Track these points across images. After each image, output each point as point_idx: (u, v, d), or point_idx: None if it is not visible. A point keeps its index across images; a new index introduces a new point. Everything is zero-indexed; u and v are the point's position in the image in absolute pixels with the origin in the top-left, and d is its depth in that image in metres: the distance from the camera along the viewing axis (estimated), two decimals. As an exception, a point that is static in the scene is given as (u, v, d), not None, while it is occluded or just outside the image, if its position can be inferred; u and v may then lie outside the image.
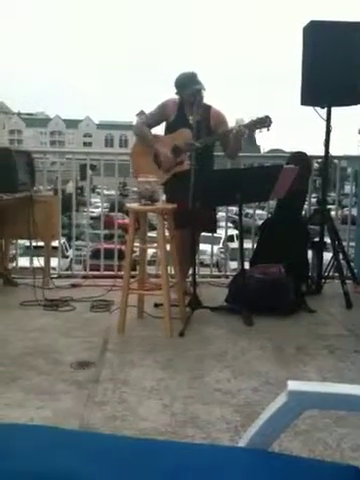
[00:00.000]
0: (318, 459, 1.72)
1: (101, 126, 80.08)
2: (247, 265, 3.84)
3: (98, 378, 2.43)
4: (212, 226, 3.81)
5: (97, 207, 13.68)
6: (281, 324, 3.27)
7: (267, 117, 3.27)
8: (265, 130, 3.29)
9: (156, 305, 3.43)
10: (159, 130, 3.78)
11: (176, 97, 3.65)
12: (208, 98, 3.64)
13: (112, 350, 2.81)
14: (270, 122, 3.27)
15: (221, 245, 11.30)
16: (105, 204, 5.85)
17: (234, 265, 5.26)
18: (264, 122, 3.27)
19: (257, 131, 3.31)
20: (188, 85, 3.51)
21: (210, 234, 4.06)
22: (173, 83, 3.61)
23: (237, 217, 3.61)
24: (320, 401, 1.08)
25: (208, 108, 3.64)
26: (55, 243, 4.58)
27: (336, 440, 1.94)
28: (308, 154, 4.22)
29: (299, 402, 1.05)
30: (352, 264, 4.23)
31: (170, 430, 1.98)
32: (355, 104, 3.82)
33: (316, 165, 4.53)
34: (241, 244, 3.43)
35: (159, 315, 3.23)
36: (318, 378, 2.46)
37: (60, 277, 4.45)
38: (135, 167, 3.84)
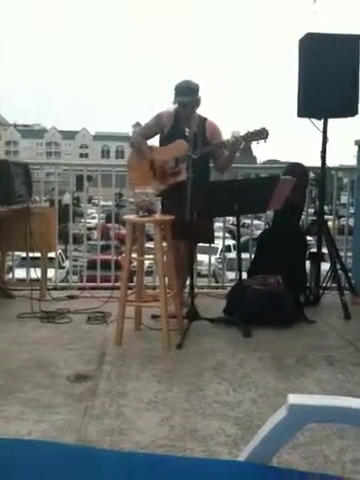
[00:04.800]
0: (319, 473, 1.70)
1: (97, 137, 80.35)
2: (245, 275, 3.83)
3: (95, 391, 2.40)
4: (209, 237, 3.81)
5: (93, 218, 13.68)
6: (280, 335, 3.26)
7: (264, 129, 3.27)
8: (262, 142, 3.29)
9: (154, 317, 3.42)
10: (155, 141, 3.78)
11: (171, 108, 3.66)
12: (205, 108, 3.65)
13: (109, 363, 2.78)
14: (267, 134, 3.26)
15: (218, 255, 11.32)
16: (101, 215, 5.84)
17: (231, 275, 5.25)
18: (261, 134, 3.27)
19: (254, 143, 3.31)
20: (178, 94, 3.51)
21: (208, 244, 4.06)
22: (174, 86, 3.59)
23: (234, 227, 3.61)
24: (321, 415, 1.06)
25: (203, 120, 3.65)
26: (52, 254, 4.56)
27: (336, 453, 1.92)
28: (305, 165, 4.23)
29: (300, 416, 1.03)
30: (350, 274, 4.23)
31: (169, 443, 1.96)
32: (351, 116, 3.84)
33: (312, 175, 4.54)
34: (239, 255, 3.43)
35: (157, 327, 3.21)
36: (318, 390, 2.44)
37: (56, 289, 4.43)
38: (131, 178, 3.84)
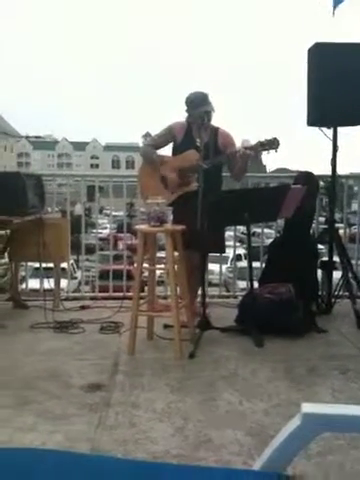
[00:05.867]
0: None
1: (108, 148, 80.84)
2: (256, 284, 3.83)
3: (109, 401, 2.42)
4: (220, 247, 3.81)
5: (104, 228, 13.71)
6: (291, 345, 3.25)
7: (275, 139, 3.28)
8: (273, 151, 3.30)
9: (166, 326, 3.43)
10: (166, 151, 3.81)
11: (183, 120, 3.68)
12: (216, 117, 3.67)
13: (122, 372, 2.80)
14: (278, 144, 3.27)
15: (229, 264, 11.31)
16: (113, 225, 5.88)
17: (243, 284, 5.24)
18: (272, 144, 3.28)
19: (265, 152, 3.32)
20: (198, 105, 3.53)
21: (218, 254, 4.06)
22: (184, 100, 3.61)
23: (244, 236, 3.62)
24: (335, 424, 1.07)
25: (216, 129, 3.66)
26: (64, 264, 4.60)
27: (351, 462, 1.91)
28: (315, 173, 4.24)
29: (313, 425, 1.04)
30: (362, 283, 4.21)
31: (182, 453, 1.97)
32: (361, 124, 3.85)
33: (322, 184, 4.54)
34: (250, 264, 3.43)
35: (169, 336, 3.22)
36: (330, 399, 2.44)
37: (68, 299, 4.46)
38: (142, 188, 3.86)
